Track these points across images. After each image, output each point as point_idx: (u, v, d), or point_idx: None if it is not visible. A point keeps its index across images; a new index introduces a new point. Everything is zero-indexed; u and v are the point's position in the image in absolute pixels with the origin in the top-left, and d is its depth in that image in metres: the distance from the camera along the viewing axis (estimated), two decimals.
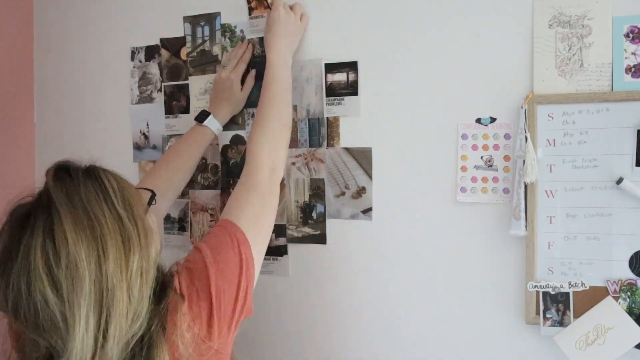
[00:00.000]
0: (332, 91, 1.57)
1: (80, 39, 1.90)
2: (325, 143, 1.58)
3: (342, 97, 1.56)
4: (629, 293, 1.30)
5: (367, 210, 1.54)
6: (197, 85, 1.73)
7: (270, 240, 1.62)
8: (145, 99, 1.81)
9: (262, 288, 1.66)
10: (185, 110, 1.75)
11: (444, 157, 1.46)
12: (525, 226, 1.35)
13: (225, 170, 1.70)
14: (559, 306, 1.35)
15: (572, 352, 1.32)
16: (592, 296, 1.33)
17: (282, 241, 1.63)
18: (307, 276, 1.62)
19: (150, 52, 1.80)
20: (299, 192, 1.61)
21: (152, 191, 1.09)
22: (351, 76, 1.55)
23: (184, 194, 1.75)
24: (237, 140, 1.68)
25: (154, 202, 1.08)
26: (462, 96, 1.44)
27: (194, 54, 1.73)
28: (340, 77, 1.56)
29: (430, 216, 1.48)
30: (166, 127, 1.78)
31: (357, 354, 1.57)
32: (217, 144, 1.69)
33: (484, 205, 1.43)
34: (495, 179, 1.42)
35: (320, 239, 1.59)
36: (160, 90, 1.79)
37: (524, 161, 1.34)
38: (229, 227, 1.13)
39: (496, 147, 1.42)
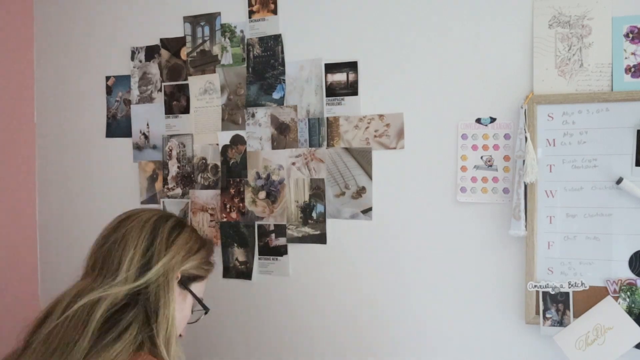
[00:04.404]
0: (332, 91, 1.57)
1: (80, 39, 1.90)
2: (325, 143, 1.58)
3: (342, 97, 1.56)
4: (628, 293, 1.30)
5: (367, 210, 1.54)
6: (197, 85, 1.73)
7: (270, 240, 1.64)
8: (145, 99, 1.81)
9: (262, 288, 1.67)
10: (186, 110, 1.75)
11: (444, 157, 1.46)
12: (525, 226, 1.35)
13: (225, 170, 1.70)
14: (558, 306, 1.35)
15: (572, 352, 1.32)
16: (592, 296, 1.33)
17: (282, 241, 1.63)
18: (307, 276, 1.62)
19: (150, 52, 1.80)
20: (299, 192, 1.61)
21: (207, 309, 1.20)
22: (351, 76, 1.55)
23: (183, 194, 1.75)
24: (237, 140, 1.68)
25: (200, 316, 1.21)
26: (462, 96, 1.44)
27: (194, 54, 1.73)
28: (340, 77, 1.56)
29: (430, 216, 1.48)
30: (166, 127, 1.78)
31: (357, 354, 1.57)
32: (217, 144, 1.70)
33: (484, 205, 1.43)
34: (495, 179, 1.42)
35: (320, 239, 1.59)
36: (160, 90, 1.79)
37: (523, 161, 1.34)
38: None
39: (496, 147, 1.42)
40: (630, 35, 1.30)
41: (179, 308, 1.12)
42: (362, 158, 1.54)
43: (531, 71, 1.38)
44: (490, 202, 1.42)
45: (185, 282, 1.14)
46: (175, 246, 1.12)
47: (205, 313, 1.20)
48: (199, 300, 1.18)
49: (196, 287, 1.17)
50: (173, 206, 1.77)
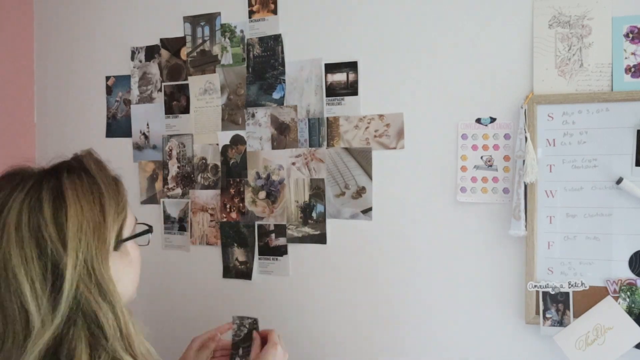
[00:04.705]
0: (332, 91, 1.57)
1: (80, 39, 1.90)
2: (325, 143, 1.58)
3: (342, 97, 1.56)
4: (628, 293, 1.30)
5: (367, 210, 1.54)
6: (197, 85, 1.73)
7: (270, 240, 1.64)
8: (145, 99, 1.81)
9: (262, 288, 1.67)
10: (185, 110, 1.75)
11: (444, 157, 1.46)
12: (525, 226, 1.35)
13: (225, 170, 1.70)
14: (558, 306, 1.35)
15: (572, 352, 1.32)
16: (592, 296, 1.33)
17: (282, 241, 1.63)
18: (307, 276, 1.62)
19: (150, 52, 1.80)
20: (299, 192, 1.61)
21: (149, 226, 1.00)
22: (351, 76, 1.55)
23: (183, 194, 1.75)
24: (237, 140, 1.68)
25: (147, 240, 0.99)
26: (462, 96, 1.44)
27: (194, 54, 1.73)
28: (340, 77, 1.56)
29: (430, 216, 1.48)
30: (166, 127, 1.78)
31: (357, 354, 1.57)
32: (217, 144, 1.70)
33: (484, 205, 1.43)
34: (495, 179, 1.42)
35: (320, 239, 1.59)
36: (160, 90, 1.79)
37: (523, 161, 1.34)
38: None
39: (496, 147, 1.42)
40: (630, 35, 1.30)
41: (125, 275, 0.91)
42: (362, 158, 1.54)
43: (531, 71, 1.38)
44: (490, 202, 1.42)
45: (118, 243, 0.90)
46: (72, 233, 0.83)
47: (151, 232, 0.99)
48: (139, 235, 0.96)
49: (127, 228, 0.93)
50: (173, 206, 1.77)
